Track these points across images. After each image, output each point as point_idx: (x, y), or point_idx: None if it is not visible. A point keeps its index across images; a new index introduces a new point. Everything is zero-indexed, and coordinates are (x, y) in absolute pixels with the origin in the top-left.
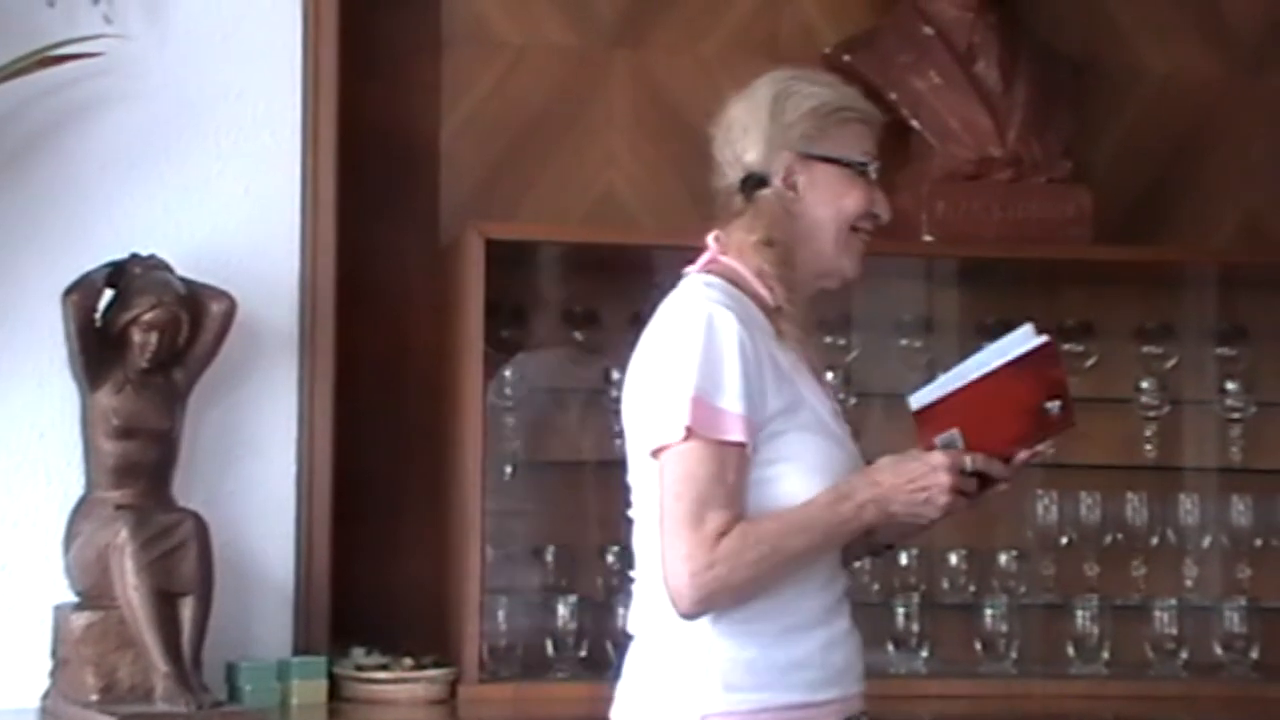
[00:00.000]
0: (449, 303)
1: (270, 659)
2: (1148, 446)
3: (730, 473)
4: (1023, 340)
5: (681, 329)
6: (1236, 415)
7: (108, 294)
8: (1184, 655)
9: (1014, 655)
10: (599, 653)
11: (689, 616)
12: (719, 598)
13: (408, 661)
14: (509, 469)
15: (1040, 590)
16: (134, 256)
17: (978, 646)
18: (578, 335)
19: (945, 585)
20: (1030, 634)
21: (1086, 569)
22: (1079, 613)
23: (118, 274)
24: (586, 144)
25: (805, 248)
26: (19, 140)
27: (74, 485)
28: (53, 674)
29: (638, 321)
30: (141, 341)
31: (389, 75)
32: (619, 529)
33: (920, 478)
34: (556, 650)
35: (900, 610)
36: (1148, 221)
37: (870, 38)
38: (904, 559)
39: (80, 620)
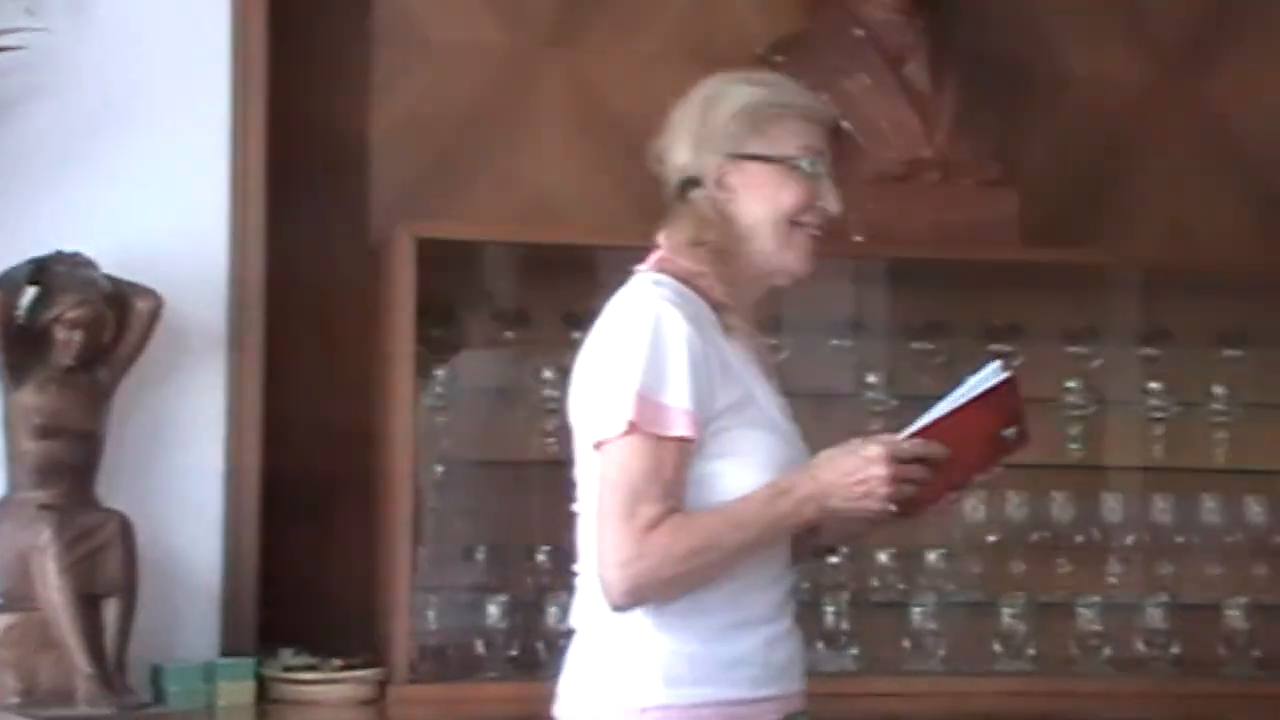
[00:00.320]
0: (380, 302)
1: (197, 661)
2: (1073, 445)
3: (668, 468)
4: (990, 377)
5: (628, 326)
6: (1159, 415)
7: (30, 291)
8: (1107, 652)
9: (942, 653)
10: (529, 653)
11: (618, 608)
12: (647, 590)
13: (336, 662)
14: (440, 468)
15: (968, 588)
16: (58, 254)
17: (906, 644)
18: (509, 334)
19: (874, 584)
20: (958, 632)
21: (1013, 567)
22: (1005, 610)
23: (41, 271)
24: (519, 143)
25: (747, 246)
26: None
27: None
28: None
29: (570, 321)
30: (65, 339)
31: (319, 71)
32: (551, 528)
33: (857, 471)
34: (487, 650)
35: (829, 609)
36: (1075, 224)
37: (802, 39)
38: (833, 558)
39: (0, 622)
